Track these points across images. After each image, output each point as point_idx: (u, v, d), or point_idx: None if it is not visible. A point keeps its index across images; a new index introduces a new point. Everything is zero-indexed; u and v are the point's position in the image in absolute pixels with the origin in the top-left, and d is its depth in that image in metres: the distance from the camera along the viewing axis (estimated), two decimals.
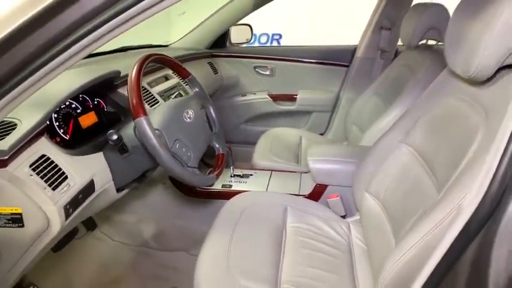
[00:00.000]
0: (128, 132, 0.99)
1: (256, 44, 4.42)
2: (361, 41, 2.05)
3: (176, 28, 2.25)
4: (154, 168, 1.09)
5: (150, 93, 1.33)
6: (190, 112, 1.04)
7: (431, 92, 1.06)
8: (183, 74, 1.16)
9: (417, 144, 1.02)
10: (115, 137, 0.90)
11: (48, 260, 1.34)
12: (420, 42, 1.50)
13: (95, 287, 1.36)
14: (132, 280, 1.41)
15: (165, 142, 0.92)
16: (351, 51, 2.10)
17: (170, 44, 2.14)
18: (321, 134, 2.24)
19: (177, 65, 1.12)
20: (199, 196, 1.50)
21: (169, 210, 1.55)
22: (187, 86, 1.26)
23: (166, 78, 1.53)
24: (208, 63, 2.09)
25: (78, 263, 1.43)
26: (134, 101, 0.86)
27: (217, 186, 1.51)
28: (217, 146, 1.19)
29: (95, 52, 1.49)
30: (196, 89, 1.19)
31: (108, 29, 0.57)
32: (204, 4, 1.75)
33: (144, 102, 1.15)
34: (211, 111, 1.21)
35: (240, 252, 1.05)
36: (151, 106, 1.24)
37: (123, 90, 1.24)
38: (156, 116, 0.97)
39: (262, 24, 4.40)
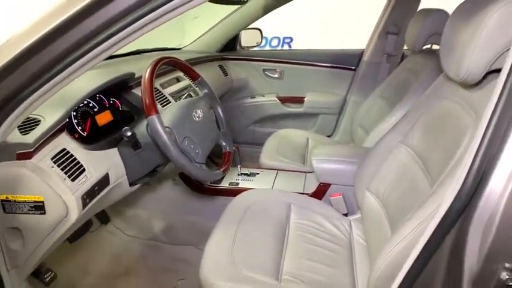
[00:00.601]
0: (141, 129, 1.06)
1: (268, 48, 4.48)
2: (367, 45, 2.09)
3: (190, 32, 2.33)
4: (165, 164, 1.16)
5: (162, 94, 1.40)
6: (199, 112, 1.11)
7: (429, 94, 1.10)
8: (193, 76, 1.23)
9: (415, 144, 1.06)
10: (129, 133, 0.97)
11: (65, 250, 1.43)
12: (424, 47, 1.53)
13: (107, 277, 1.43)
14: (142, 272, 1.48)
15: (175, 139, 0.99)
16: (358, 55, 2.14)
17: (183, 47, 2.22)
18: (328, 136, 2.28)
19: (187, 67, 1.19)
20: (208, 193, 1.56)
21: (178, 206, 1.62)
22: (197, 88, 1.33)
23: (178, 80, 1.60)
24: (218, 65, 2.16)
25: (92, 254, 1.51)
26: (147, 101, 0.93)
27: (225, 183, 1.58)
28: (224, 144, 1.25)
29: (111, 55, 1.58)
30: (206, 90, 1.26)
31: (126, 34, 0.64)
32: (216, 9, 1.81)
33: (156, 101, 1.23)
34: (219, 111, 1.27)
35: (244, 245, 1.10)
36: (163, 106, 1.31)
37: (137, 91, 1.32)
38: (167, 115, 1.04)
39: (273, 27, 4.47)
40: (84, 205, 0.92)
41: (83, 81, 1.09)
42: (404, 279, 0.63)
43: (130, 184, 1.17)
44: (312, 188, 1.50)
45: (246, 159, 1.88)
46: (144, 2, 0.61)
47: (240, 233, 1.15)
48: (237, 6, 1.99)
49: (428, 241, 0.59)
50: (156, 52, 2.02)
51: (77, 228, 1.15)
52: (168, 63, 1.10)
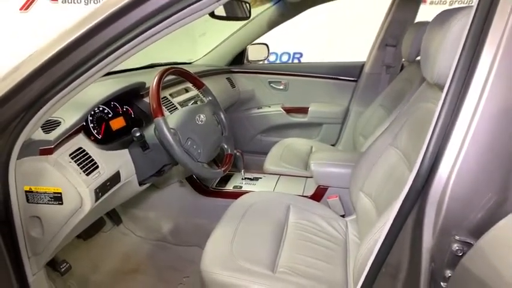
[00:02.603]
0: (149, 132, 1.18)
1: (278, 63, 4.62)
2: (368, 57, 2.18)
3: (200, 47, 2.47)
4: (171, 164, 1.26)
5: (171, 102, 1.52)
6: (202, 116, 1.22)
7: (415, 98, 1.18)
8: (198, 85, 1.34)
9: (402, 145, 1.14)
10: (138, 134, 1.08)
11: (79, 247, 1.53)
12: (418, 58, 1.61)
13: (117, 273, 1.53)
14: (150, 269, 1.57)
15: (179, 139, 1.09)
16: (359, 67, 2.23)
17: (193, 62, 2.36)
18: (332, 145, 2.36)
19: (192, 77, 1.31)
20: (213, 195, 1.66)
21: (185, 209, 1.72)
22: (203, 97, 1.44)
23: (187, 90, 1.73)
24: (226, 78, 2.28)
25: (104, 252, 1.61)
26: (154, 105, 1.05)
27: (229, 187, 1.67)
28: (226, 147, 1.35)
29: (127, 68, 1.72)
30: (210, 98, 1.37)
31: (130, 48, 0.75)
32: (222, 26, 1.94)
33: (162, 106, 1.35)
34: (222, 117, 1.38)
35: (243, 240, 1.18)
36: (170, 112, 1.43)
37: (147, 99, 1.44)
38: (173, 118, 1.15)
39: (283, 43, 4.62)
40: (97, 198, 1.03)
41: (98, 89, 1.22)
42: (375, 258, 0.70)
43: (140, 184, 1.27)
44: (310, 190, 1.58)
45: (252, 168, 1.97)
46: (148, 17, 0.72)
47: (239, 230, 1.23)
48: (243, 22, 2.12)
49: (393, 222, 0.66)
50: (169, 66, 2.16)
51: (90, 223, 1.26)
52: (174, 73, 1.22)
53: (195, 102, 1.58)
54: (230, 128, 1.39)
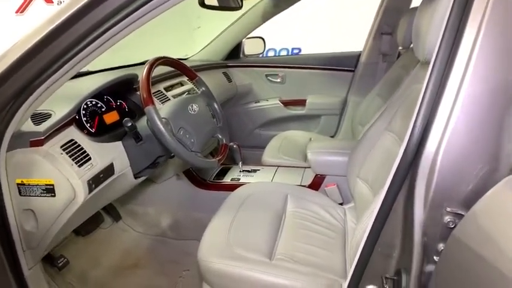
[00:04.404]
0: (141, 123, 1.17)
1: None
2: (364, 47, 2.16)
3: (197, 41, 2.46)
4: (165, 155, 1.25)
5: (165, 96, 1.52)
6: (195, 106, 1.21)
7: (408, 82, 1.17)
8: (190, 76, 1.34)
9: (397, 129, 1.12)
10: (129, 124, 1.08)
11: (78, 243, 1.53)
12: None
13: (117, 268, 1.52)
14: (150, 264, 1.57)
15: (171, 129, 1.09)
16: (356, 56, 2.21)
17: (189, 57, 2.36)
18: (332, 137, 2.34)
19: (184, 67, 1.30)
20: (211, 188, 1.65)
21: (184, 203, 1.71)
22: (197, 88, 1.43)
23: (182, 84, 1.72)
24: (222, 72, 2.27)
25: (104, 248, 1.61)
26: (144, 95, 1.04)
27: (227, 180, 1.66)
28: (220, 137, 1.34)
29: (124, 64, 1.71)
30: (203, 89, 1.36)
31: (111, 35, 0.75)
32: (217, 19, 1.93)
33: (155, 98, 1.34)
34: (216, 108, 1.37)
35: (240, 229, 1.17)
36: (163, 104, 1.42)
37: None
38: (165, 108, 1.15)
39: (282, 39, 4.60)
40: (90, 190, 1.02)
41: (89, 81, 1.22)
42: (368, 237, 0.69)
43: (135, 176, 1.27)
44: (308, 180, 1.57)
45: (252, 162, 1.96)
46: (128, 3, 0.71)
47: (237, 220, 1.22)
48: (238, 15, 2.11)
49: (384, 199, 0.65)
50: (160, 56, 2.16)
51: (87, 217, 1.25)
52: (165, 63, 1.21)
53: (189, 94, 1.57)
54: (224, 118, 1.38)
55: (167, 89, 1.58)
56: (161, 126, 1.01)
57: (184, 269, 1.52)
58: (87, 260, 1.50)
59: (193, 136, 1.15)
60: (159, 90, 1.52)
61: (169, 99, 1.46)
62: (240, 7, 1.52)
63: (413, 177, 0.61)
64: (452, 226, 0.58)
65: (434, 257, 0.60)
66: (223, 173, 1.76)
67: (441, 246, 0.59)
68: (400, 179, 0.63)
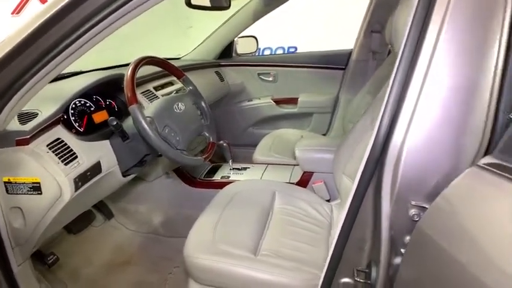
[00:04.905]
0: (128, 122, 1.19)
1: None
2: (355, 44, 2.18)
3: (190, 40, 2.48)
4: (152, 154, 1.27)
5: (155, 95, 1.54)
6: (181, 105, 1.23)
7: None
8: (177, 75, 1.35)
9: None
10: (114, 122, 1.10)
11: (70, 241, 1.55)
12: None
13: (109, 266, 1.54)
14: (142, 261, 1.59)
15: (156, 127, 1.10)
16: (347, 54, 2.23)
17: (182, 57, 2.37)
18: (324, 134, 2.36)
19: (171, 66, 1.32)
20: (201, 186, 1.67)
21: (175, 201, 1.73)
22: (184, 85, 1.44)
23: (172, 83, 1.74)
24: (215, 72, 2.29)
25: (96, 246, 1.63)
26: (129, 94, 1.06)
27: (217, 177, 1.68)
28: (207, 135, 1.36)
29: (117, 64, 1.71)
30: (190, 87, 1.38)
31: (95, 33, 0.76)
32: (209, 18, 1.95)
33: (144, 97, 1.35)
34: (203, 106, 1.39)
35: (227, 226, 1.19)
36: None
37: None
38: (151, 107, 1.16)
39: (278, 38, 4.62)
40: (77, 187, 1.04)
41: (77, 81, 1.24)
42: (341, 231, 0.71)
43: (123, 175, 1.29)
44: (297, 177, 1.59)
45: (245, 160, 1.98)
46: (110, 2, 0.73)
47: (223, 217, 1.23)
48: (229, 14, 2.13)
49: (354, 194, 0.67)
50: (145, 56, 2.17)
51: (77, 215, 1.27)
52: (151, 63, 1.23)
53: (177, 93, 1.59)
54: (212, 117, 1.40)
55: (157, 88, 1.60)
56: (145, 125, 1.03)
57: (174, 265, 1.54)
58: (79, 258, 1.52)
59: (178, 134, 1.17)
60: (148, 90, 1.53)
61: (158, 98, 1.48)
62: (228, 7, 1.54)
63: (380, 171, 0.63)
64: (417, 219, 0.59)
65: (401, 250, 0.62)
66: (213, 171, 1.78)
67: (407, 239, 0.61)
68: (369, 173, 0.65)
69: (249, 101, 2.47)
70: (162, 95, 1.57)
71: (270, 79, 2.41)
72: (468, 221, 0.49)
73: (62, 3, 0.73)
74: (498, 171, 0.48)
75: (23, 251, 1.05)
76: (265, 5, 2.05)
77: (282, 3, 2.06)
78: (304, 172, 1.55)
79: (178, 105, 1.22)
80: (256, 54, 4.80)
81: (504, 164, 0.49)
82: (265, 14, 2.14)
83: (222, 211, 1.26)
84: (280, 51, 4.82)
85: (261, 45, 4.70)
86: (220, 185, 1.62)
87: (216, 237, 1.13)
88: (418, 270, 0.58)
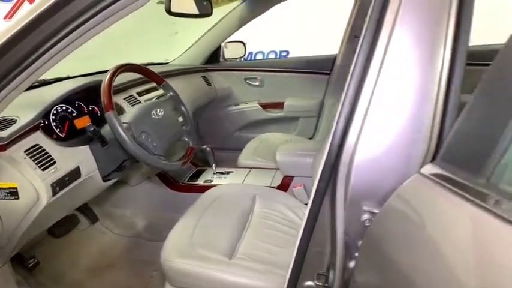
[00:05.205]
0: (107, 128, 1.21)
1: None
2: (339, 50, 2.21)
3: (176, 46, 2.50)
4: (131, 159, 1.29)
5: (138, 100, 1.56)
6: (159, 111, 1.25)
7: None
8: (157, 81, 1.38)
9: None
10: (91, 128, 1.12)
11: (54, 245, 1.57)
12: None
13: (92, 269, 1.56)
14: (125, 265, 1.60)
15: (133, 133, 1.13)
16: (332, 60, 2.26)
17: (169, 62, 2.40)
18: (310, 138, 2.39)
19: (150, 73, 1.34)
20: (184, 190, 1.69)
21: (158, 205, 1.75)
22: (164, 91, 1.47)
23: (156, 88, 1.76)
24: (202, 76, 2.32)
25: (80, 249, 1.64)
26: (105, 101, 1.08)
27: (201, 181, 1.70)
28: (187, 140, 1.38)
29: (103, 70, 1.74)
30: (171, 93, 1.40)
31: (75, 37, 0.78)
32: (194, 24, 1.97)
33: (119, 99, 1.37)
34: (184, 111, 1.41)
35: (205, 230, 1.21)
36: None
37: (114, 98, 1.47)
38: (128, 114, 1.19)
39: (270, 42, 4.65)
40: (54, 192, 1.06)
41: (58, 87, 1.26)
42: (303, 230, 0.73)
43: (104, 179, 1.31)
44: (278, 181, 1.61)
45: (231, 164, 2.00)
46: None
47: (202, 221, 1.26)
48: (215, 20, 2.16)
49: (313, 199, 0.69)
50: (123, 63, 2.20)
51: (58, 219, 1.29)
52: (129, 69, 1.25)
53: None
54: (192, 122, 1.42)
55: (140, 93, 1.62)
56: (121, 132, 1.05)
57: (155, 269, 1.56)
58: (61, 261, 1.54)
59: (156, 140, 1.19)
60: (131, 95, 1.55)
61: (141, 103, 1.50)
62: (210, 14, 1.56)
63: (335, 177, 0.65)
64: (369, 224, 0.62)
65: (355, 254, 0.64)
66: (197, 175, 1.80)
67: (360, 243, 0.64)
68: (326, 178, 0.67)
69: (236, 105, 2.50)
70: (145, 101, 1.59)
71: (257, 84, 2.44)
72: (408, 230, 0.51)
73: (41, 9, 0.74)
74: (438, 180, 0.50)
75: (2, 255, 1.07)
76: (250, 11, 2.08)
77: (266, 10, 2.10)
78: (285, 176, 1.58)
79: (156, 111, 1.24)
80: (249, 58, 4.82)
81: (443, 173, 0.51)
82: (251, 19, 2.17)
83: (202, 215, 1.28)
84: (272, 55, 4.86)
85: (254, 49, 4.75)
86: (203, 189, 1.64)
87: (193, 241, 1.15)
88: (369, 275, 0.60)
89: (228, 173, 1.76)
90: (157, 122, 1.23)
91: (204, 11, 1.56)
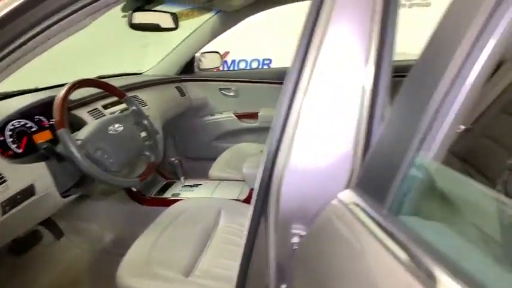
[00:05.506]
0: None
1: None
2: None
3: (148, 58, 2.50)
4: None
5: (103, 114, 1.54)
6: (118, 126, 1.24)
7: None
8: (118, 95, 1.37)
9: None
10: (44, 145, 1.10)
11: (14, 263, 1.53)
12: None
13: (56, 286, 1.52)
14: (90, 280, 1.57)
15: (87, 150, 1.11)
16: None
17: (143, 72, 2.39)
18: None
19: (110, 88, 1.33)
20: (151, 204, 1.67)
21: (125, 219, 1.73)
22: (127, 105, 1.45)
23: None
24: (176, 87, 2.31)
25: (43, 266, 1.60)
26: (57, 118, 1.07)
27: (168, 195, 1.68)
28: (148, 154, 1.37)
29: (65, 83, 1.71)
30: (133, 108, 1.39)
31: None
32: (166, 36, 1.97)
33: (65, 118, 1.36)
34: (147, 125, 1.40)
35: (164, 247, 1.20)
36: None
37: (76, 112, 1.45)
38: (83, 130, 1.17)
39: (253, 50, 4.68)
40: (4, 212, 1.04)
41: (14, 102, 1.24)
42: (244, 251, 0.72)
43: (63, 196, 1.28)
44: (245, 194, 1.61)
45: (205, 175, 1.99)
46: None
47: (163, 237, 1.24)
48: (187, 32, 2.16)
49: (250, 222, 0.69)
50: (116, 77, 2.18)
51: (13, 237, 1.26)
52: (87, 85, 1.24)
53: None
54: (155, 137, 1.41)
55: (106, 106, 1.60)
56: (73, 150, 1.04)
57: None
58: (22, 281, 1.50)
59: (112, 156, 1.18)
60: (96, 108, 1.54)
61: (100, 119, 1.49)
62: (176, 27, 1.56)
63: (268, 199, 0.65)
64: (296, 248, 0.62)
65: (287, 276, 0.64)
66: (166, 188, 1.78)
67: (290, 266, 0.63)
68: (261, 198, 0.66)
69: (211, 115, 2.49)
70: (111, 113, 1.57)
71: (232, 94, 2.44)
72: (323, 255, 0.51)
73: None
74: (350, 207, 0.50)
75: None
76: (222, 23, 2.09)
77: (238, 22, 2.11)
78: (252, 189, 1.57)
79: (114, 126, 1.23)
80: (232, 66, 4.82)
81: (356, 200, 0.51)
82: (224, 31, 2.18)
83: (163, 231, 1.27)
84: (255, 64, 4.88)
85: (237, 57, 4.76)
86: (169, 203, 1.63)
87: (151, 259, 1.13)
88: None
89: (197, 185, 1.75)
90: (114, 138, 1.21)
91: (170, 25, 1.56)
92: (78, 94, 1.49)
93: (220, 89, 2.44)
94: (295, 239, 0.62)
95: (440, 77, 0.40)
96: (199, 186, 1.74)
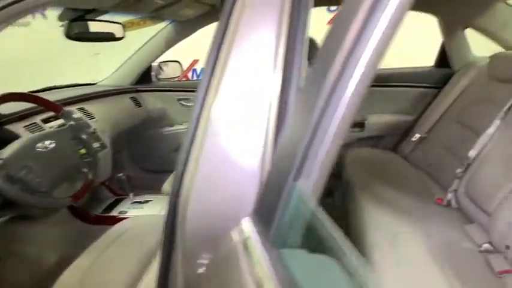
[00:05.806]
0: None
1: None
2: None
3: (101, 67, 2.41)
4: None
5: (42, 128, 1.45)
6: (48, 142, 1.16)
7: None
8: (54, 109, 1.29)
9: None
10: None
11: None
12: None
13: None
14: None
15: (8, 171, 1.02)
16: None
17: (97, 82, 2.30)
18: None
19: (44, 101, 1.25)
20: (95, 222, 1.58)
21: (69, 238, 1.63)
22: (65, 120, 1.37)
23: None
24: (131, 97, 2.23)
25: None
26: None
27: (115, 212, 1.60)
28: (85, 171, 1.29)
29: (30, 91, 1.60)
30: (71, 122, 1.31)
31: None
32: (118, 44, 1.90)
33: (20, 128, 1.27)
34: (87, 142, 1.32)
35: (100, 269, 1.13)
36: None
37: (10, 127, 1.36)
38: (7, 149, 1.09)
39: None
40: None
41: None
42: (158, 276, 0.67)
43: None
44: None
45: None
46: None
47: (101, 259, 1.17)
48: (143, 41, 2.10)
49: (162, 249, 0.64)
50: (70, 88, 2.09)
51: None
52: (16, 99, 1.16)
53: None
54: (95, 153, 1.33)
55: (46, 120, 1.51)
56: None
57: None
58: None
59: (40, 175, 1.10)
60: (34, 123, 1.44)
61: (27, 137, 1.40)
62: (122, 38, 1.50)
63: (175, 225, 0.60)
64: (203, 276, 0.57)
65: None
66: (114, 204, 1.70)
67: None
68: (169, 228, 0.62)
69: (170, 126, 2.43)
70: (51, 127, 1.48)
71: (191, 104, 2.39)
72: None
73: None
74: (244, 239, 0.46)
75: None
76: (176, 33, 2.05)
77: (192, 33, 2.07)
78: None
79: (44, 143, 1.15)
80: (202, 75, 4.79)
81: (250, 231, 0.47)
82: (179, 41, 2.13)
83: (102, 252, 1.20)
84: None
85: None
86: (116, 221, 1.55)
87: (84, 283, 1.06)
88: None
89: (146, 201, 1.68)
90: (43, 155, 1.13)
91: (118, 34, 1.50)
92: (17, 107, 1.40)
93: (179, 99, 2.38)
94: (201, 270, 0.58)
95: (315, 104, 0.37)
96: (149, 202, 1.67)
